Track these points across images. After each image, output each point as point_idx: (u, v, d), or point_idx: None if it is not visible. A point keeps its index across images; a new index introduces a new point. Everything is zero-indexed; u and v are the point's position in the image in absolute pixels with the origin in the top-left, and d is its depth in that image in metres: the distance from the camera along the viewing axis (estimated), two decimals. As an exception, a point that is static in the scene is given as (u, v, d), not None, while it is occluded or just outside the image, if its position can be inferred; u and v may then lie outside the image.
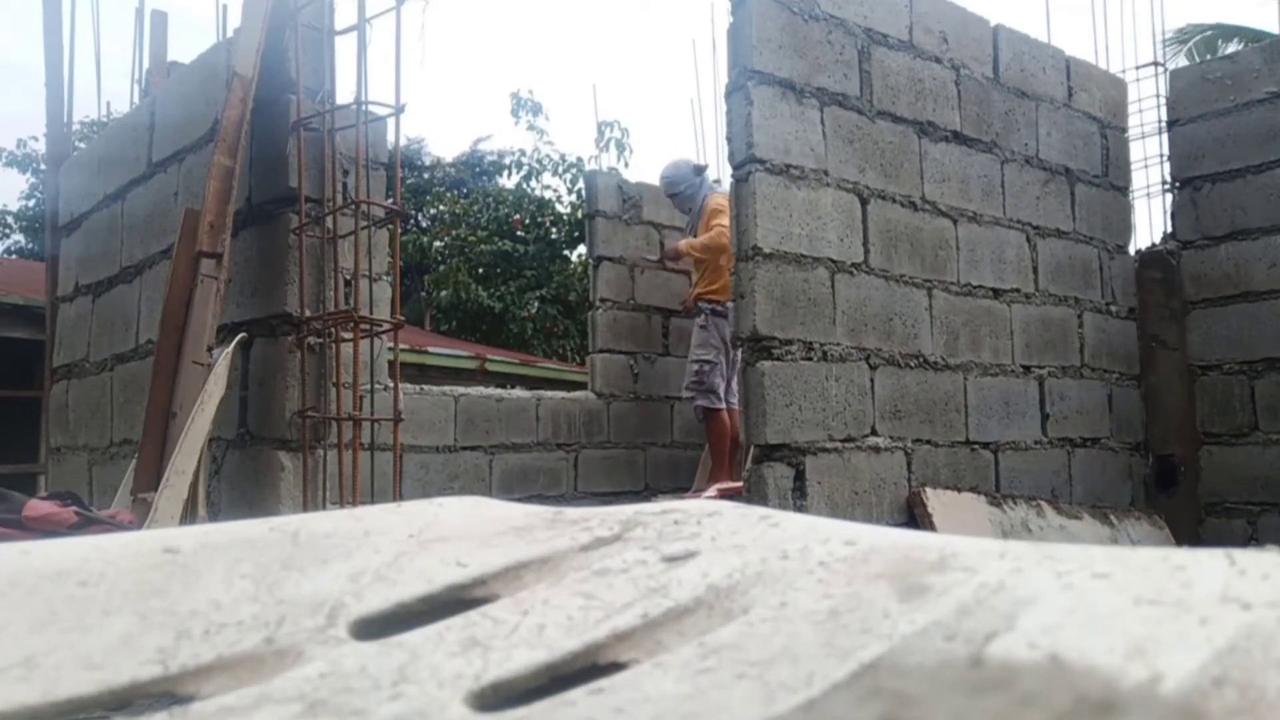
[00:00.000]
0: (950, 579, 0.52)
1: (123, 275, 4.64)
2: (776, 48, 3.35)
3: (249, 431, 3.67)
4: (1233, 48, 10.48)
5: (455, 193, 16.09)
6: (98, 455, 4.69)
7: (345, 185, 3.70)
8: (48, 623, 0.58)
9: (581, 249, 13.29)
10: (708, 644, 0.51)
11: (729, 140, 3.38)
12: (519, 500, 0.93)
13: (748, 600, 0.55)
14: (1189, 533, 4.50)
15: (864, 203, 3.60)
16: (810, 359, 3.35)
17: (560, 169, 14.87)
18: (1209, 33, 11.89)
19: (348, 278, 3.68)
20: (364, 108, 3.65)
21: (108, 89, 18.54)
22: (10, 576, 0.64)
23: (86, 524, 2.56)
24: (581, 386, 6.02)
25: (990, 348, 4.00)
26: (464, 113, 40.17)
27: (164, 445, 3.18)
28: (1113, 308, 4.62)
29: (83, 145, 7.10)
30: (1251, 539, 4.36)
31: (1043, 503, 3.96)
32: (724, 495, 4.01)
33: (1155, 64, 4.99)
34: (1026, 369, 4.16)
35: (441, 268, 13.61)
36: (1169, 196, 4.83)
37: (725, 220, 4.62)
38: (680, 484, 5.66)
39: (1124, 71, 4.95)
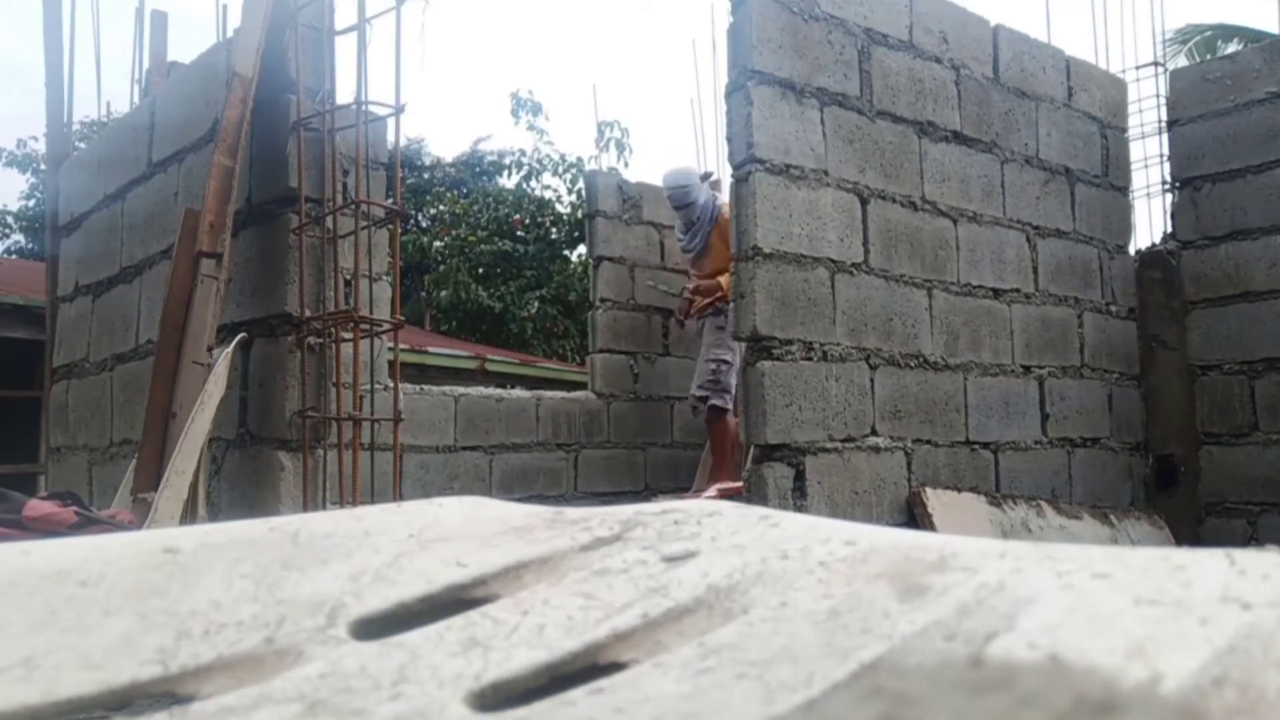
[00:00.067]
0: (950, 579, 0.52)
1: (123, 275, 4.64)
2: (776, 48, 3.35)
3: (249, 431, 3.67)
4: (1232, 48, 10.48)
5: (455, 193, 16.09)
6: (98, 455, 4.69)
7: (345, 185, 3.70)
8: (48, 623, 0.58)
9: (581, 249, 13.29)
10: (708, 644, 0.51)
11: (729, 140, 3.38)
12: (519, 500, 0.93)
13: (748, 600, 0.55)
14: (1189, 533, 4.50)
15: (864, 203, 3.60)
16: (810, 359, 3.35)
17: (560, 169, 14.88)
18: (1209, 33, 11.89)
19: (348, 278, 3.68)
20: (364, 108, 3.65)
21: (108, 89, 18.55)
22: (10, 576, 0.64)
23: (86, 524, 2.56)
24: (581, 386, 6.02)
25: (990, 348, 4.01)
26: (464, 113, 40.18)
27: (164, 445, 3.18)
28: (1113, 308, 4.62)
29: (83, 145, 7.10)
30: (1251, 539, 4.36)
31: (1043, 503, 3.96)
32: (724, 495, 4.01)
33: (1155, 64, 4.99)
34: (1026, 369, 4.16)
35: (441, 268, 13.61)
36: (1169, 196, 4.83)
37: None
38: (680, 484, 5.66)
39: (1124, 71, 4.95)
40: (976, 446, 3.89)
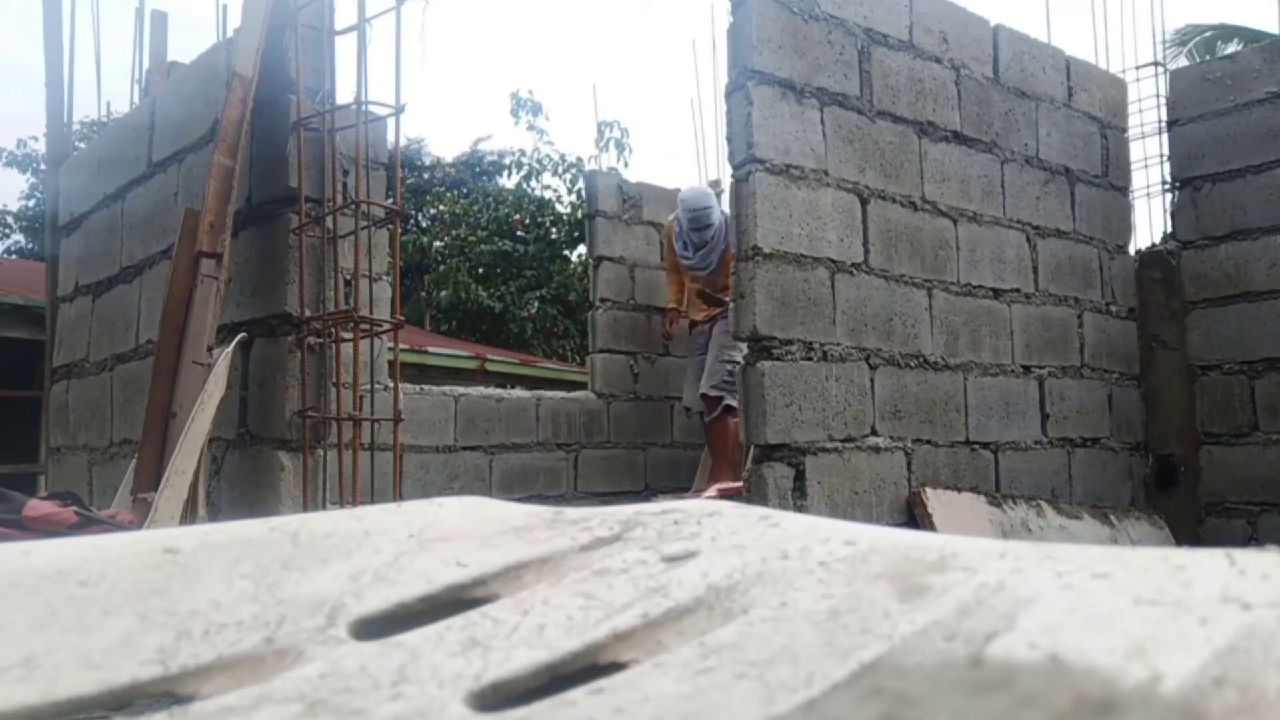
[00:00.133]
0: (950, 579, 0.52)
1: (123, 275, 4.64)
2: (776, 48, 3.35)
3: (249, 431, 3.67)
4: (1232, 49, 10.48)
5: (455, 193, 16.10)
6: (98, 455, 4.69)
7: (345, 185, 3.70)
8: (48, 623, 0.58)
9: (581, 249, 13.29)
10: (708, 644, 0.51)
11: (729, 140, 3.38)
12: (519, 500, 0.93)
13: (748, 600, 0.55)
14: (1189, 533, 4.50)
15: (864, 203, 3.60)
16: (810, 359, 3.35)
17: (560, 169, 14.88)
18: (1209, 34, 11.90)
19: (348, 278, 3.68)
20: (364, 108, 3.65)
21: (108, 89, 18.55)
22: (10, 576, 0.64)
23: (86, 524, 2.56)
24: (581, 386, 6.02)
25: (990, 348, 4.01)
26: (464, 113, 40.19)
27: (164, 445, 3.18)
28: (1113, 308, 4.62)
29: (83, 145, 7.10)
30: (1251, 539, 4.36)
31: (1043, 503, 3.96)
32: (724, 495, 4.01)
33: (1155, 64, 4.99)
34: (1026, 369, 4.16)
35: (441, 268, 13.61)
36: (1169, 196, 4.83)
37: None
38: (680, 484, 5.66)
39: (1124, 71, 4.95)
40: (976, 446, 3.89)
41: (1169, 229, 4.82)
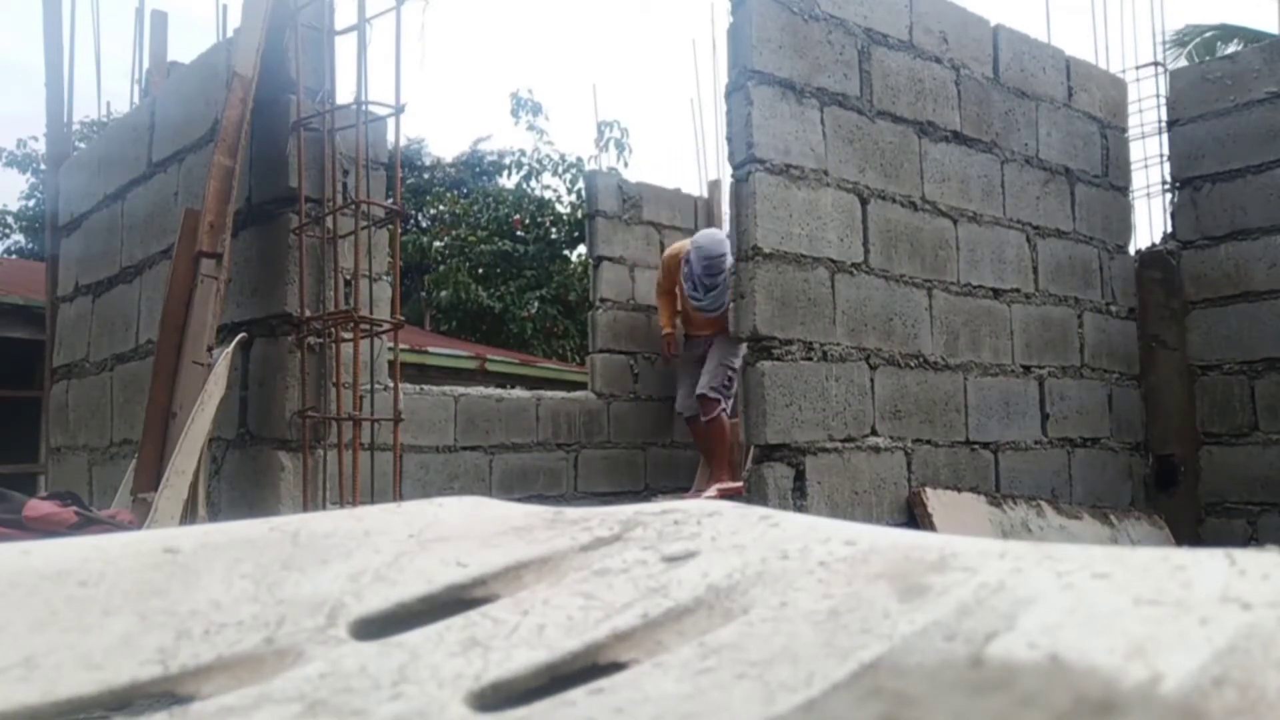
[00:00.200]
0: (950, 579, 0.52)
1: (123, 275, 4.64)
2: (776, 48, 3.35)
3: (249, 431, 3.67)
4: (1232, 49, 10.48)
5: (455, 193, 16.10)
6: (98, 455, 4.69)
7: (345, 185, 3.70)
8: (48, 623, 0.58)
9: (581, 249, 13.30)
10: (708, 644, 0.51)
11: (729, 140, 3.38)
12: (519, 500, 0.93)
13: (748, 600, 0.55)
14: (1189, 533, 4.50)
15: (864, 203, 3.60)
16: (810, 359, 3.35)
17: (560, 169, 14.89)
18: (1209, 34, 11.90)
19: (348, 278, 3.68)
20: (364, 108, 3.65)
21: (108, 89, 18.56)
22: (10, 576, 0.64)
23: (86, 524, 2.56)
24: (581, 386, 6.02)
25: (990, 348, 4.01)
26: (464, 113, 40.19)
27: (164, 445, 3.17)
28: (1113, 308, 4.62)
29: (83, 145, 7.10)
30: (1251, 539, 4.36)
31: (1043, 503, 3.96)
32: (724, 495, 4.01)
33: (1155, 64, 4.99)
34: (1026, 369, 4.16)
35: (441, 268, 13.62)
36: (1169, 196, 4.83)
37: None
38: (680, 484, 5.66)
39: (1124, 71, 4.95)
40: (976, 446, 3.89)
41: (1169, 229, 4.82)
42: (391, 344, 3.75)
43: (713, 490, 4.54)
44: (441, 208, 15.35)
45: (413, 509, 0.79)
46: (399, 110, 3.62)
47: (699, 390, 5.26)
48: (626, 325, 5.87)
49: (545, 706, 0.47)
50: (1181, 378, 4.66)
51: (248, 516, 1.21)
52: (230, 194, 3.42)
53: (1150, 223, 5.09)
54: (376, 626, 0.58)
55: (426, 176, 17.18)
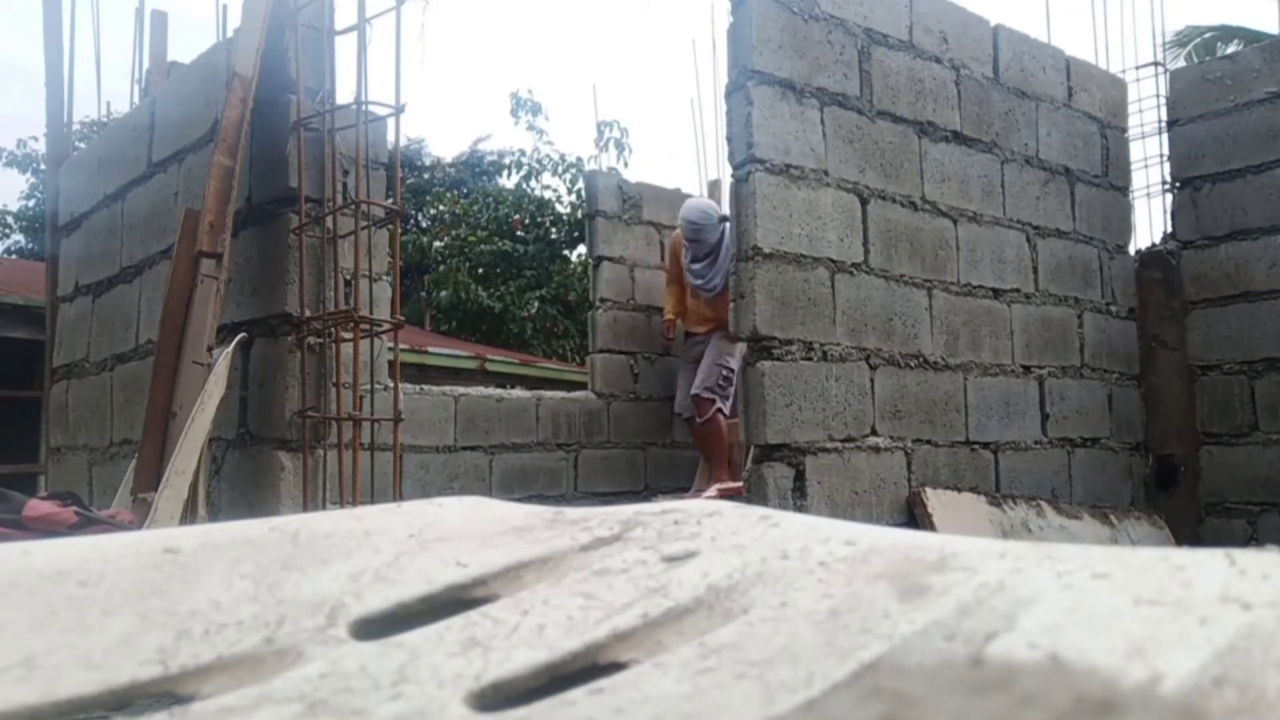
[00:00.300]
0: (950, 579, 0.52)
1: (123, 275, 4.64)
2: (776, 48, 3.35)
3: (249, 431, 3.67)
4: (1232, 50, 10.48)
5: (455, 193, 16.10)
6: (98, 455, 4.69)
7: (345, 185, 3.70)
8: (48, 623, 0.58)
9: (581, 249, 13.29)
10: (708, 644, 0.51)
11: (729, 140, 3.38)
12: (519, 500, 0.93)
13: (748, 600, 0.55)
14: (1189, 533, 4.50)
15: (864, 203, 3.60)
16: (810, 359, 3.35)
17: (560, 169, 14.89)
18: (1209, 34, 11.90)
19: (348, 278, 3.68)
20: (364, 108, 3.65)
21: (108, 89, 18.56)
22: (10, 576, 0.64)
23: (86, 524, 2.56)
24: (581, 386, 6.02)
25: (990, 348, 4.01)
26: (464, 113, 40.19)
27: (164, 445, 3.17)
28: (1113, 308, 4.62)
29: (83, 145, 7.10)
30: (1251, 539, 4.36)
31: (1043, 503, 3.96)
32: (724, 495, 4.01)
33: (1155, 64, 4.99)
34: (1026, 369, 4.16)
35: (441, 268, 13.62)
36: (1169, 196, 4.83)
37: None
38: (680, 484, 5.66)
39: (1124, 71, 4.95)
40: (976, 446, 3.89)
41: (1169, 229, 4.82)
42: (391, 344, 3.75)
43: (713, 490, 4.54)
44: (441, 208, 15.35)
45: (413, 509, 0.79)
46: (399, 110, 3.62)
47: (693, 391, 5.27)
48: (626, 325, 5.87)
49: (545, 706, 0.47)
50: (1181, 378, 4.66)
51: (248, 516, 1.21)
52: (230, 194, 3.42)
53: (1150, 223, 5.10)
54: (376, 626, 0.58)
55: (426, 176, 17.18)
